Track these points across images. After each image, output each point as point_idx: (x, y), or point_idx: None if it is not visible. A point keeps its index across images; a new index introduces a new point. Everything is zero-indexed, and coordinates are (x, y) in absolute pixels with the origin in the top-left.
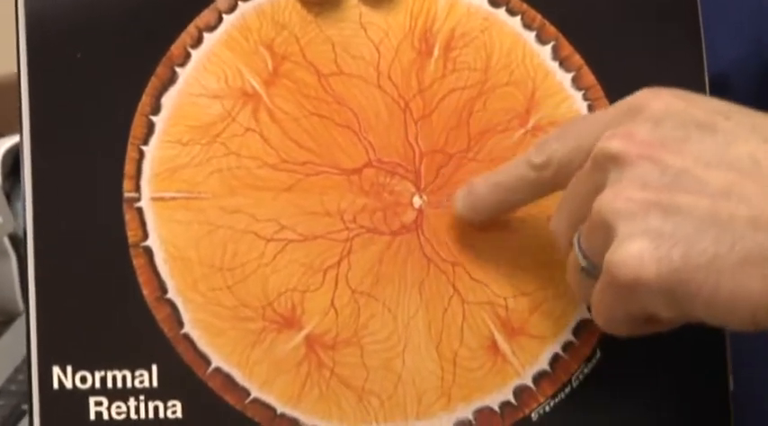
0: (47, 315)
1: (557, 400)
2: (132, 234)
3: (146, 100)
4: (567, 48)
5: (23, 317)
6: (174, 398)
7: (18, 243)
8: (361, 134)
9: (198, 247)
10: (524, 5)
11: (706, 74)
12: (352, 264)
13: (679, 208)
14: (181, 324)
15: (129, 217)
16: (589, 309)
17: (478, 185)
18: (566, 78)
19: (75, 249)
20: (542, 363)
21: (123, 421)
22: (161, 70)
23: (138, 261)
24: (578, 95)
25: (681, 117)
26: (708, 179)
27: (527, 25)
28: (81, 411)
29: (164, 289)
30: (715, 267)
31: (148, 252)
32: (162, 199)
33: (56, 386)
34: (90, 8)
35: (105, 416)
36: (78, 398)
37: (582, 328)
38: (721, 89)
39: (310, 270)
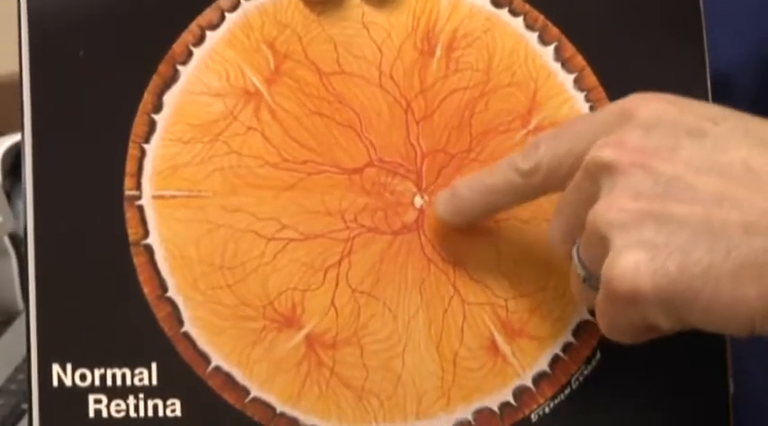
0: (47, 313)
1: (556, 401)
2: (133, 232)
3: (147, 98)
4: (570, 50)
5: (23, 317)
6: (174, 397)
7: (18, 242)
8: (363, 133)
9: (198, 245)
10: (527, 6)
11: (708, 75)
12: (352, 264)
13: (672, 217)
14: (181, 323)
15: (129, 215)
16: (591, 313)
17: (462, 188)
18: (568, 79)
19: (76, 246)
20: (542, 364)
21: (122, 419)
22: (163, 68)
23: (138, 260)
24: (580, 97)
25: (671, 123)
26: (699, 186)
27: (529, 26)
28: (80, 408)
29: (164, 288)
30: (711, 276)
31: (149, 250)
32: (163, 197)
33: (55, 383)
34: (92, 6)
35: (104, 414)
36: (78, 396)
37: (582, 329)
38: (722, 89)
39: (311, 270)
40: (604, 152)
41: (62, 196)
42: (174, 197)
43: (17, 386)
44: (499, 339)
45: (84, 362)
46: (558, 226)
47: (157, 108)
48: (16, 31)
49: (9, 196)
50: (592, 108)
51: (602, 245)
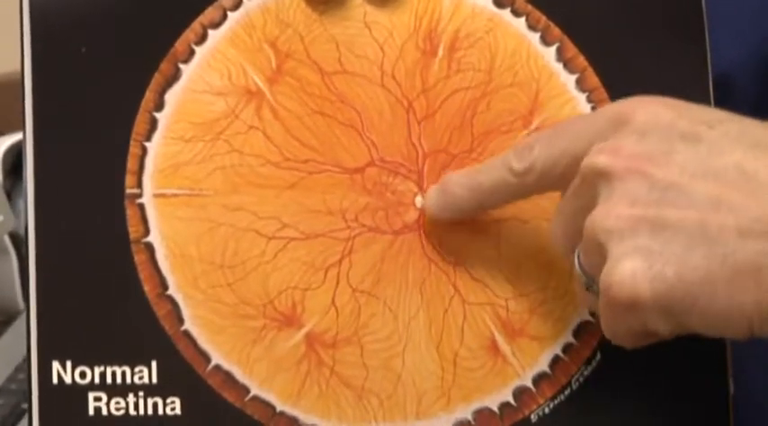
0: (47, 310)
1: (556, 402)
2: (134, 230)
3: (149, 96)
4: (572, 50)
5: (23, 316)
6: (174, 395)
7: (19, 241)
8: (364, 133)
9: (199, 244)
10: (529, 7)
11: (710, 76)
12: (353, 263)
13: (668, 223)
14: (181, 321)
15: (130, 213)
16: (591, 314)
17: (454, 186)
18: (570, 80)
19: (77, 244)
20: (542, 364)
21: (122, 416)
22: (165, 67)
23: (139, 258)
24: (582, 97)
25: (666, 128)
26: (695, 191)
27: (532, 26)
28: (80, 406)
29: (164, 286)
30: (708, 282)
31: (149, 248)
32: (164, 195)
33: (55, 381)
34: (94, 4)
35: (104, 412)
36: (77, 393)
37: (582, 330)
38: (724, 90)
39: (311, 269)
40: (600, 158)
41: (63, 193)
42: (175, 195)
43: (17, 386)
44: (499, 339)
45: (84, 360)
46: (558, 232)
47: (159, 106)
48: (17, 31)
49: (10, 195)
50: (593, 109)
51: (600, 252)
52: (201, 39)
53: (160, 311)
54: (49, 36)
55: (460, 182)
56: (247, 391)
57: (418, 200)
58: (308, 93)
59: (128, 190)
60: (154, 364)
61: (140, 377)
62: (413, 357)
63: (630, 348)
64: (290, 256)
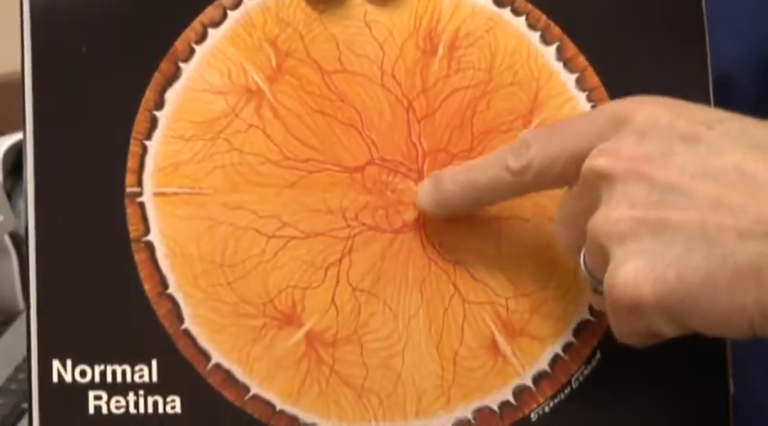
0: (47, 309)
1: (556, 401)
2: (134, 228)
3: (149, 95)
4: (572, 49)
5: (23, 316)
6: (174, 393)
7: (19, 241)
8: (364, 132)
9: (199, 243)
10: (529, 6)
11: (710, 76)
12: (353, 262)
13: (668, 224)
14: (181, 320)
15: (130, 211)
16: (591, 313)
17: (448, 182)
18: (570, 79)
19: (77, 242)
20: (542, 364)
21: (122, 415)
22: (165, 66)
23: (139, 256)
24: (582, 96)
25: (665, 129)
26: (694, 191)
27: (532, 25)
28: (80, 405)
29: (164, 285)
30: (709, 283)
31: (150, 247)
32: (164, 194)
33: (55, 379)
34: (94, 3)
35: (104, 410)
36: (78, 392)
37: (582, 329)
38: (724, 90)
39: (311, 268)
40: (600, 161)
41: (63, 192)
42: (175, 194)
43: (17, 386)
44: (499, 338)
45: (85, 358)
46: (562, 234)
47: (159, 105)
48: (16, 31)
49: (10, 195)
50: (593, 108)
51: (603, 255)
52: (201, 37)
53: (160, 310)
54: (49, 35)
55: (455, 179)
56: (247, 390)
57: None
58: (307, 91)
59: (128, 189)
60: (154, 363)
61: (140, 376)
62: (413, 356)
63: (639, 347)
64: (290, 255)
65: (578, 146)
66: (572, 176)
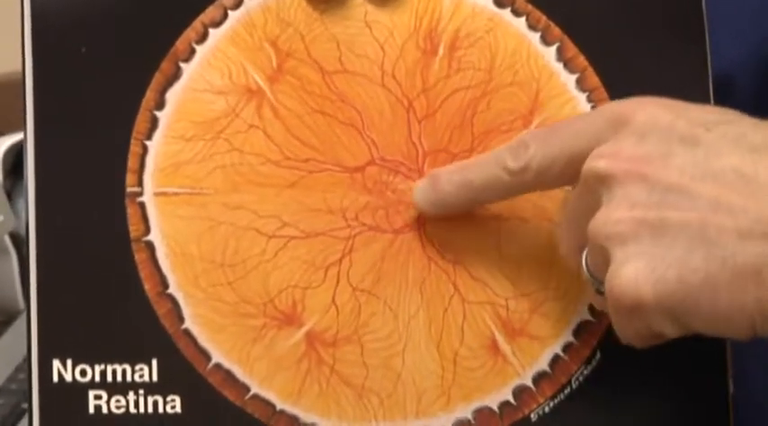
0: (47, 308)
1: (556, 401)
2: (134, 228)
3: (150, 95)
4: (572, 50)
5: (24, 316)
6: (174, 393)
7: (19, 241)
8: (365, 132)
9: (199, 243)
10: (529, 6)
11: (710, 76)
12: (353, 262)
13: (668, 225)
14: (181, 320)
15: (131, 211)
16: (591, 313)
17: (445, 182)
18: (570, 80)
19: (77, 242)
20: (542, 364)
21: (122, 414)
22: (165, 66)
23: (139, 256)
24: (582, 97)
25: (664, 130)
26: (695, 193)
27: (532, 26)
28: (80, 404)
29: (165, 285)
30: (709, 284)
31: (150, 246)
32: (165, 194)
33: (55, 379)
34: (94, 3)
35: (104, 410)
36: (78, 391)
37: (582, 329)
38: (724, 90)
39: (312, 268)
40: (600, 163)
41: (64, 192)
42: (175, 194)
43: (17, 386)
44: (499, 338)
45: (85, 358)
46: (564, 236)
47: (160, 105)
48: (16, 31)
49: (10, 195)
50: (594, 108)
51: (604, 256)
52: (202, 37)
53: (160, 309)
54: (49, 35)
55: (451, 179)
56: (247, 389)
57: None
58: (308, 92)
59: (128, 189)
60: (154, 362)
61: (141, 376)
62: (413, 356)
63: (641, 347)
64: (291, 255)
65: (577, 146)
66: (571, 177)
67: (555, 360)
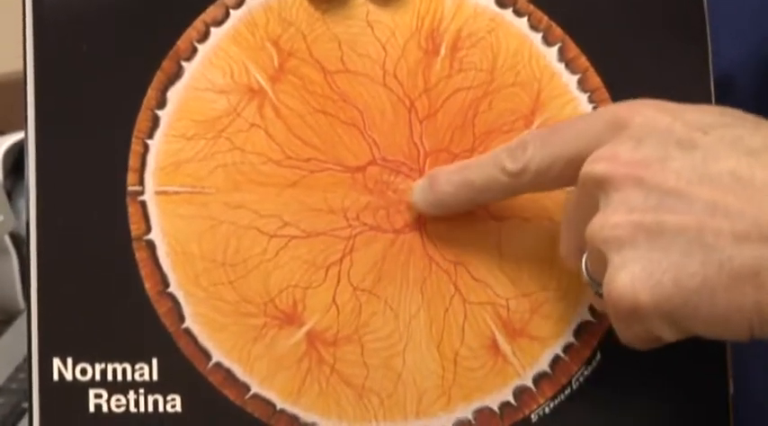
0: (48, 307)
1: (556, 401)
2: (135, 227)
3: (151, 94)
4: (574, 50)
5: (24, 316)
6: (174, 392)
7: (19, 241)
8: (366, 132)
9: (200, 242)
10: (531, 7)
11: (711, 76)
12: (354, 262)
13: (665, 229)
14: (182, 319)
15: (132, 210)
16: (592, 313)
17: (443, 183)
18: (572, 80)
19: (78, 240)
20: (543, 364)
21: (122, 413)
22: (167, 64)
23: (140, 255)
24: (584, 97)
25: (662, 134)
26: (692, 197)
27: (534, 26)
28: (80, 403)
29: (165, 283)
30: (706, 288)
31: (151, 245)
32: (165, 192)
33: (56, 377)
34: (96, 2)
35: (105, 409)
36: (78, 390)
37: (582, 330)
38: (724, 90)
39: (313, 267)
40: (598, 167)
41: (64, 190)
42: (176, 193)
43: (18, 385)
44: (500, 338)
45: (85, 357)
46: (563, 239)
47: (161, 104)
48: (16, 30)
49: (10, 195)
50: (595, 109)
51: (602, 260)
52: (204, 36)
53: (161, 308)
54: (51, 34)
55: (450, 180)
56: (248, 389)
57: None
58: (310, 91)
59: (129, 188)
60: (154, 361)
61: (141, 375)
62: (413, 356)
63: (642, 350)
64: (292, 254)
65: (576, 148)
66: (570, 178)
67: (555, 361)
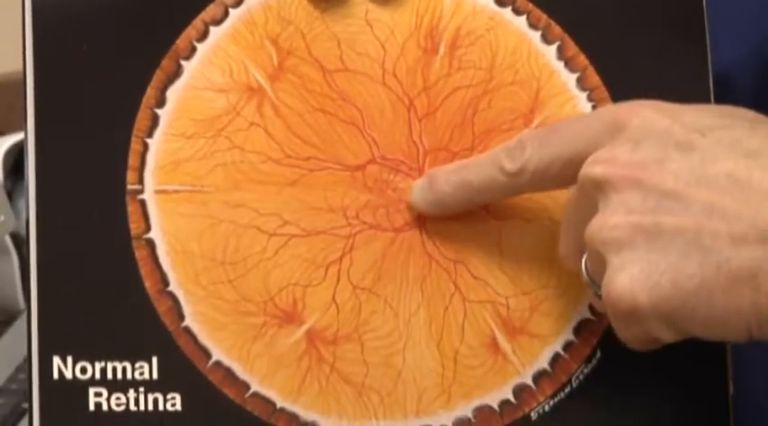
0: (48, 305)
1: (556, 399)
2: (135, 226)
3: (150, 93)
4: (573, 49)
5: (24, 316)
6: (174, 391)
7: (20, 241)
8: (365, 131)
9: (200, 240)
10: (530, 5)
11: (711, 76)
12: (354, 260)
13: (663, 231)
14: (182, 317)
15: (131, 209)
16: (592, 312)
17: (442, 183)
18: (571, 79)
19: (78, 239)
20: (542, 362)
21: (122, 412)
22: (166, 63)
23: (140, 254)
24: (583, 96)
25: (660, 136)
26: (689, 199)
27: (532, 25)
28: (80, 401)
29: (165, 282)
30: (704, 289)
31: (150, 244)
32: (165, 191)
33: (56, 376)
34: (96, 2)
35: (105, 407)
36: (78, 389)
37: (582, 328)
38: (724, 89)
39: (312, 266)
40: (596, 168)
41: (64, 189)
42: (176, 191)
43: (18, 386)
44: (500, 337)
45: (85, 355)
46: (564, 241)
47: (160, 103)
48: (16, 30)
49: (10, 195)
50: (594, 107)
51: (600, 261)
52: (203, 35)
53: (161, 307)
54: (50, 33)
55: (449, 179)
56: (248, 387)
57: None
58: (309, 90)
59: (129, 187)
60: (154, 360)
61: (141, 373)
62: (413, 354)
63: (642, 350)
64: (291, 253)
65: (574, 149)
66: (568, 178)
67: (555, 359)
